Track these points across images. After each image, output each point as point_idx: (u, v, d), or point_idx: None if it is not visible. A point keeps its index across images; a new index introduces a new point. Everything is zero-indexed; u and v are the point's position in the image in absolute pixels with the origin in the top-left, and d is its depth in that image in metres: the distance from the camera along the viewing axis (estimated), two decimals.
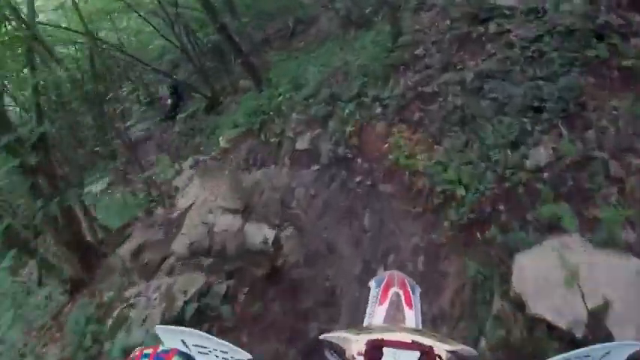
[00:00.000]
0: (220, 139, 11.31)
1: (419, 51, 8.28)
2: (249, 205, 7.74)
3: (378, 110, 7.81)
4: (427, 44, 8.33)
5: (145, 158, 14.34)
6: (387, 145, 7.29)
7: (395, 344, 1.15)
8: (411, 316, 1.49)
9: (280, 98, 10.28)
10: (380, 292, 1.59)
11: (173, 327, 1.45)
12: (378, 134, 7.58)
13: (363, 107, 8.17)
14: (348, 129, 8.06)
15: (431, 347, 1.15)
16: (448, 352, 1.17)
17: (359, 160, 7.75)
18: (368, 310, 1.55)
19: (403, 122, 7.25)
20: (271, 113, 10.21)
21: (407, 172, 6.65)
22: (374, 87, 8.27)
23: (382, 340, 1.17)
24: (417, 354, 1.13)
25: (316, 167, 8.41)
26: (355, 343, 1.21)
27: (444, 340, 1.18)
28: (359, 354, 1.19)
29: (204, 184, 8.75)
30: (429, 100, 7.22)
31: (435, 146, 6.52)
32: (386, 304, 1.52)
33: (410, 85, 7.64)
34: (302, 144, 9.08)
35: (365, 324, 1.50)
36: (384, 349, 1.15)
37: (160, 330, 1.50)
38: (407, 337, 1.16)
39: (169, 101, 15.89)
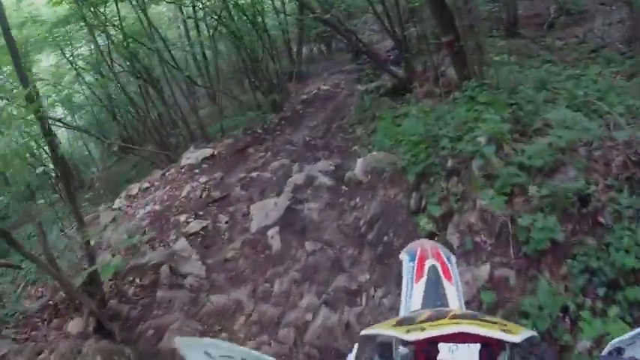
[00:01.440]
0: (360, 160, 6.39)
1: None
2: None
3: None
4: None
5: (306, 124, 10.37)
6: None
7: (451, 338, 0.95)
8: (453, 291, 1.32)
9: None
10: (415, 267, 1.44)
11: (195, 339, 1.21)
12: None
13: None
14: None
15: (491, 337, 0.93)
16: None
17: None
18: (404, 287, 1.38)
19: None
20: (454, 156, 4.91)
21: None
22: None
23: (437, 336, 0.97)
24: (478, 347, 0.96)
25: None
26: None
27: (504, 327, 0.95)
28: (406, 343, 1.05)
29: None
30: None
31: None
32: (423, 281, 1.37)
33: None
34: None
35: (403, 304, 1.34)
36: (440, 344, 0.98)
37: (181, 342, 1.21)
38: (463, 328, 0.93)
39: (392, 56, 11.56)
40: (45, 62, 13.29)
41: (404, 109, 7.91)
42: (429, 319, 1.01)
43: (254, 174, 7.45)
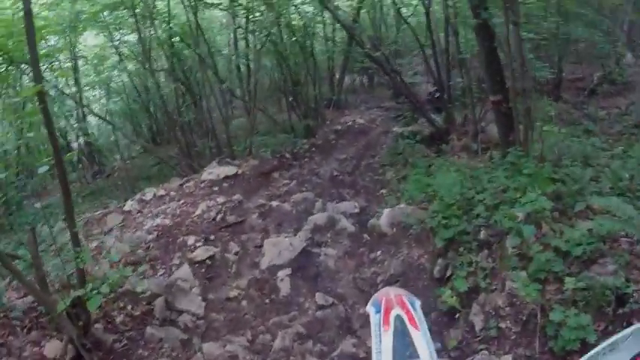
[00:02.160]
0: (386, 211, 6.05)
1: None
2: None
3: None
4: None
5: (336, 156, 10.10)
6: None
7: None
8: (420, 339, 1.34)
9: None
10: (382, 319, 1.43)
11: None
12: None
13: None
14: None
15: None
16: None
17: None
18: (374, 342, 1.38)
19: None
20: (488, 226, 4.60)
21: None
22: None
23: None
24: None
25: None
26: None
27: None
28: None
29: None
30: None
31: None
32: (390, 332, 1.37)
33: None
34: None
35: (374, 354, 1.35)
36: None
37: None
38: None
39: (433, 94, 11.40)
40: (91, 41, 13.25)
41: (439, 161, 7.63)
42: None
43: (274, 203, 7.17)
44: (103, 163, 15.16)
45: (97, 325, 4.24)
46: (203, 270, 5.43)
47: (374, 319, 1.47)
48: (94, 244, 6.36)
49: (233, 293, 4.99)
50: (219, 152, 10.07)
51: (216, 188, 7.67)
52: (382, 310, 1.47)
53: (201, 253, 5.65)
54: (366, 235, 6.02)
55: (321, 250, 5.70)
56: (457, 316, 4.09)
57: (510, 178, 5.11)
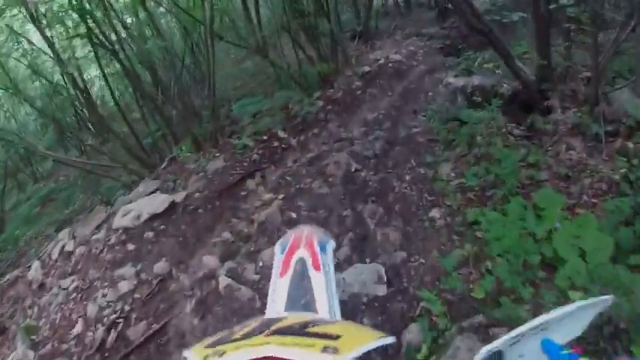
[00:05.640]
0: None
1: None
2: None
3: None
4: None
5: (359, 117, 6.91)
6: None
7: None
8: (320, 282, 1.15)
9: None
10: (281, 262, 1.25)
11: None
12: None
13: None
14: None
15: None
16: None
17: None
18: (271, 285, 1.19)
19: None
20: None
21: None
22: None
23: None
24: None
25: None
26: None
27: (332, 342, 0.72)
28: None
29: None
30: None
31: None
32: (289, 276, 1.19)
33: None
34: None
35: (269, 304, 1.14)
36: None
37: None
38: (269, 350, 0.70)
39: None
40: None
41: (536, 156, 4.03)
42: (248, 335, 0.79)
43: (226, 281, 3.72)
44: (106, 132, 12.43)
45: None
46: None
47: (276, 260, 1.22)
48: None
49: None
50: (176, 142, 6.65)
51: (131, 247, 4.28)
52: (285, 252, 1.21)
53: None
54: None
55: None
56: None
57: None
